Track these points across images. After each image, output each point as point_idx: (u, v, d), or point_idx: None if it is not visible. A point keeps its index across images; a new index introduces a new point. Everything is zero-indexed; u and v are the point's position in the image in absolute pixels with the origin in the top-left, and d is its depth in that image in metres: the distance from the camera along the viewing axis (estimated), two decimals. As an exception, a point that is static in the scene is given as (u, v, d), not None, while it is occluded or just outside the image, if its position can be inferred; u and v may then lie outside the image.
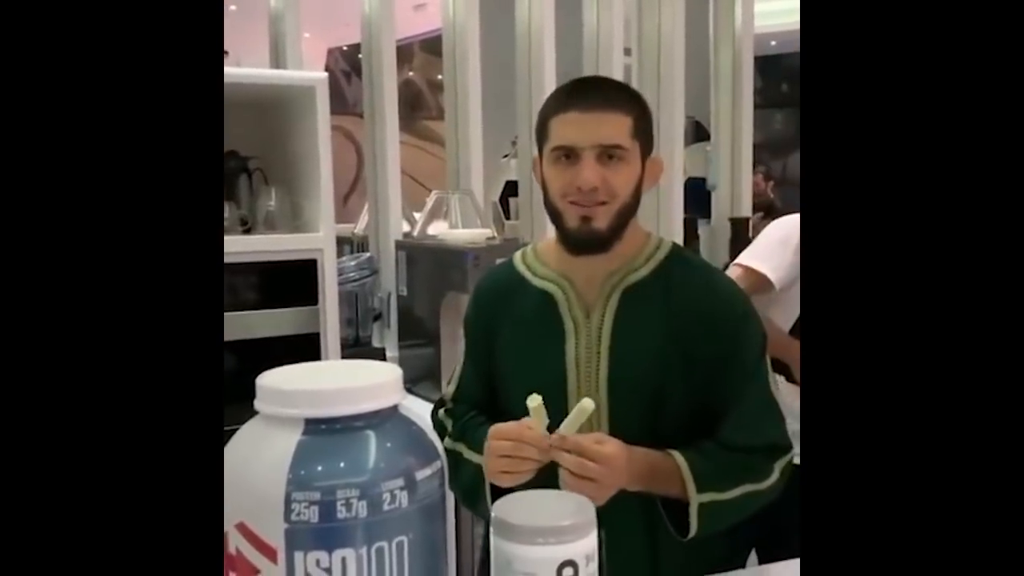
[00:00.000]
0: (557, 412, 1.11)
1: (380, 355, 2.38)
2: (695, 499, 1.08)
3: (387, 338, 2.55)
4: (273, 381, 0.65)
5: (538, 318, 1.18)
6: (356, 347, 2.33)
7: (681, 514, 1.11)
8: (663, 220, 3.07)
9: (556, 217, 1.14)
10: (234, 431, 0.67)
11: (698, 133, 4.14)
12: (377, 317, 2.49)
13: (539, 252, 1.24)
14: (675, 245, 1.22)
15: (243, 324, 1.77)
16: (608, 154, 1.09)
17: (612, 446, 1.03)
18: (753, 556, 1.90)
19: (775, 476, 1.13)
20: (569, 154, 1.09)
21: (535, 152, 1.18)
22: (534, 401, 1.01)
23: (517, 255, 1.26)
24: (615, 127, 1.09)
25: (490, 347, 1.23)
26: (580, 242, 1.12)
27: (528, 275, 1.21)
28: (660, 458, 1.10)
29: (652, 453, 1.10)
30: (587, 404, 1.00)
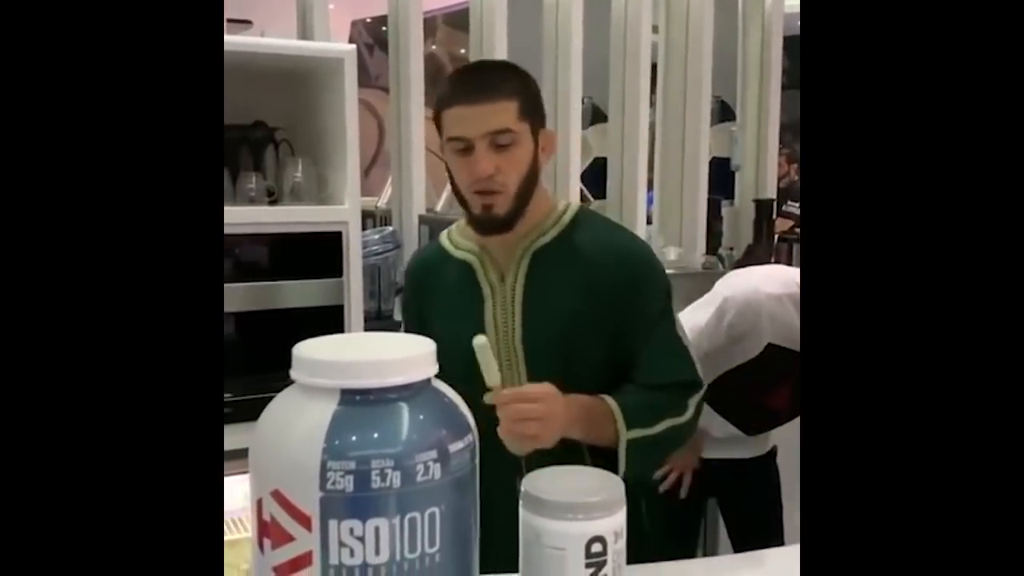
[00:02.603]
0: (480, 373, 1.17)
1: (401, 328, 2.38)
2: (624, 436, 1.14)
3: (408, 312, 2.55)
4: (310, 352, 0.66)
5: (459, 286, 1.25)
6: (378, 320, 2.34)
7: (610, 461, 1.15)
8: (687, 199, 3.05)
9: (463, 203, 1.21)
10: (259, 399, 0.68)
11: (724, 113, 4.10)
12: (399, 291, 2.50)
13: (462, 228, 1.31)
14: (581, 208, 1.28)
15: (268, 295, 1.78)
16: (499, 142, 1.14)
17: (543, 384, 1.09)
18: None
19: (691, 411, 1.21)
20: (464, 147, 1.15)
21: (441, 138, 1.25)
22: (479, 340, 1.04)
23: (443, 233, 1.34)
24: (501, 114, 1.14)
25: (421, 321, 1.29)
26: (484, 226, 1.20)
27: (451, 249, 1.29)
28: (592, 400, 1.16)
29: (584, 397, 1.16)
30: (479, 339, 1.04)
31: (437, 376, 1.23)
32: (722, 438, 1.80)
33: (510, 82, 1.17)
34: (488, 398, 1.05)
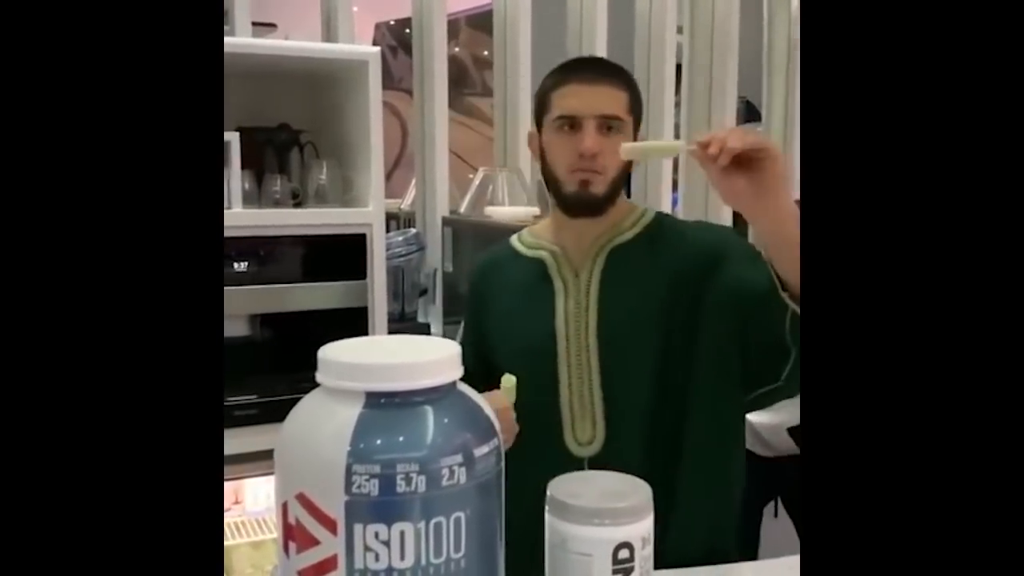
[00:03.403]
0: (547, 369, 1.19)
1: (425, 330, 2.39)
2: None
3: (432, 314, 2.56)
4: (335, 354, 0.66)
5: (530, 282, 1.25)
6: (401, 322, 2.34)
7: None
8: (712, 199, 3.03)
9: (555, 184, 1.20)
10: (283, 401, 0.68)
11: (749, 114, 4.07)
12: (423, 293, 2.50)
13: (533, 231, 1.31)
14: (660, 212, 1.28)
15: (292, 296, 1.79)
16: (607, 125, 1.15)
17: None
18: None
19: None
20: (572, 124, 1.16)
21: (532, 127, 1.25)
22: (508, 381, 1.04)
23: (514, 236, 1.33)
24: (614, 100, 1.16)
25: (483, 318, 1.29)
26: (577, 205, 1.19)
27: (522, 248, 1.29)
28: None
29: None
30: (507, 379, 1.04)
31: (501, 373, 1.25)
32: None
33: (624, 75, 1.20)
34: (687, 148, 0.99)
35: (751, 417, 1.86)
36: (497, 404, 1.02)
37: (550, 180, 1.21)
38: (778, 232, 0.99)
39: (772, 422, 1.86)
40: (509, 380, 1.02)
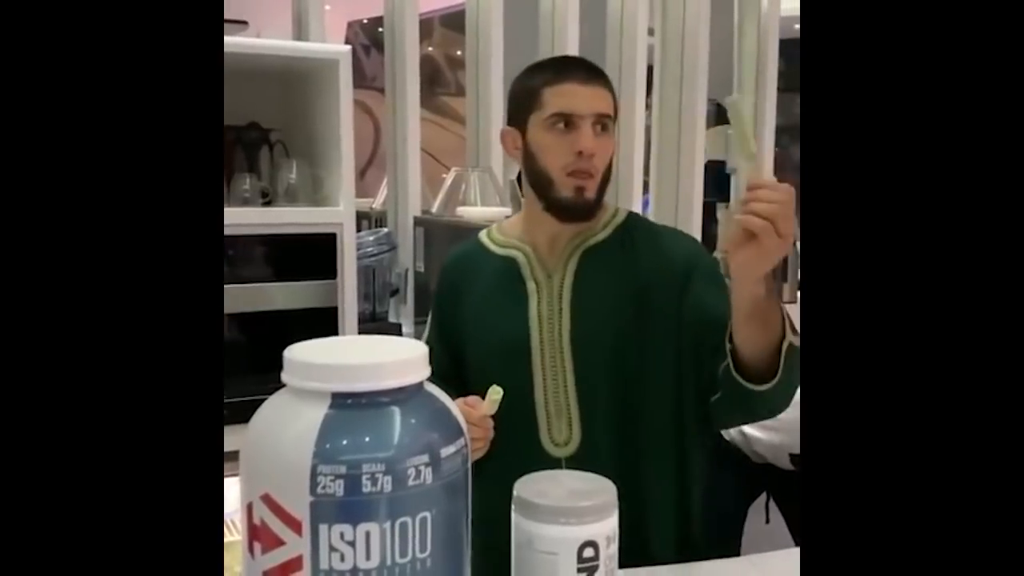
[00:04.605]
0: (521, 371, 1.19)
1: (396, 330, 2.38)
2: (789, 337, 1.03)
3: (403, 314, 2.55)
4: (301, 354, 0.66)
5: (501, 282, 1.23)
6: (373, 322, 2.33)
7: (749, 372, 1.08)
8: (682, 202, 3.05)
9: (547, 185, 1.17)
10: (252, 401, 0.68)
11: (719, 116, 4.10)
12: (394, 292, 2.49)
13: (502, 228, 1.30)
14: (632, 212, 1.28)
15: (262, 296, 1.78)
16: (602, 124, 1.15)
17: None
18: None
19: None
20: (567, 122, 1.14)
21: (505, 125, 1.23)
22: (495, 393, 1.03)
23: (483, 232, 1.32)
24: (606, 99, 1.17)
25: (453, 317, 1.28)
26: (571, 211, 1.17)
27: (492, 247, 1.28)
28: None
29: None
30: (732, 98, 1.03)
31: (465, 378, 1.25)
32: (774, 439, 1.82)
33: (606, 77, 1.20)
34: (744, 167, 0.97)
35: (753, 432, 1.87)
36: (479, 412, 1.03)
37: (540, 180, 1.17)
38: (753, 306, 1.00)
39: (773, 442, 1.86)
40: (496, 392, 1.02)
